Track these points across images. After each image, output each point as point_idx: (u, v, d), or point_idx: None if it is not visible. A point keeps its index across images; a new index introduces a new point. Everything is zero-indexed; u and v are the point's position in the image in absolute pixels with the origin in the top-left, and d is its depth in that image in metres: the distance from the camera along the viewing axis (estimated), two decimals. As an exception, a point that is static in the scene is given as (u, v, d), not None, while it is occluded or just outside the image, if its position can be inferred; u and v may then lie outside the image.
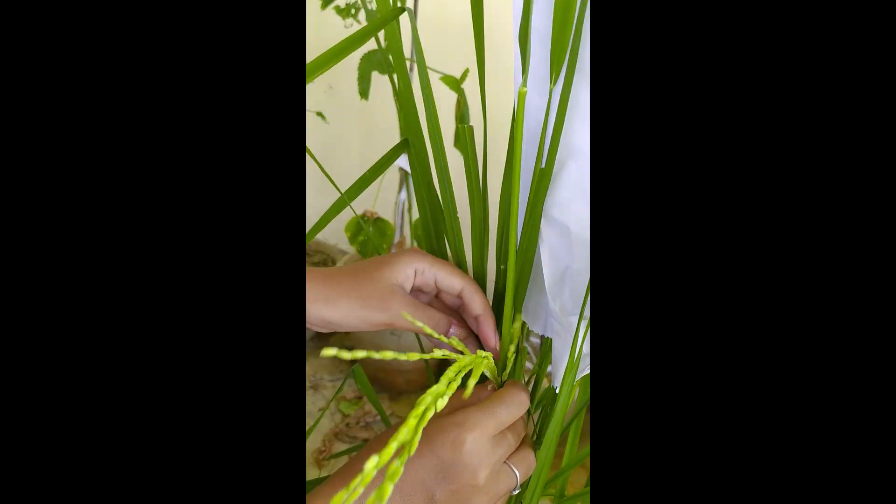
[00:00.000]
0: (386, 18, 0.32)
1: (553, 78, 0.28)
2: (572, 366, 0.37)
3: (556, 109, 0.32)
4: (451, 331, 0.42)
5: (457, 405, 0.39)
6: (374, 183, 0.49)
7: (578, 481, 1.23)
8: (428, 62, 1.46)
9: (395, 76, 0.45)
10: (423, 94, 0.43)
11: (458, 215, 0.46)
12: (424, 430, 0.37)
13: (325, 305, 0.39)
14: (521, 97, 0.29)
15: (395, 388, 1.46)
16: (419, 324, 0.39)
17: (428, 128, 0.42)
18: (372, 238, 1.34)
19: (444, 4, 1.48)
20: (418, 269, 0.42)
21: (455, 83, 1.28)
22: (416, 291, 0.44)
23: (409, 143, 0.47)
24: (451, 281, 0.42)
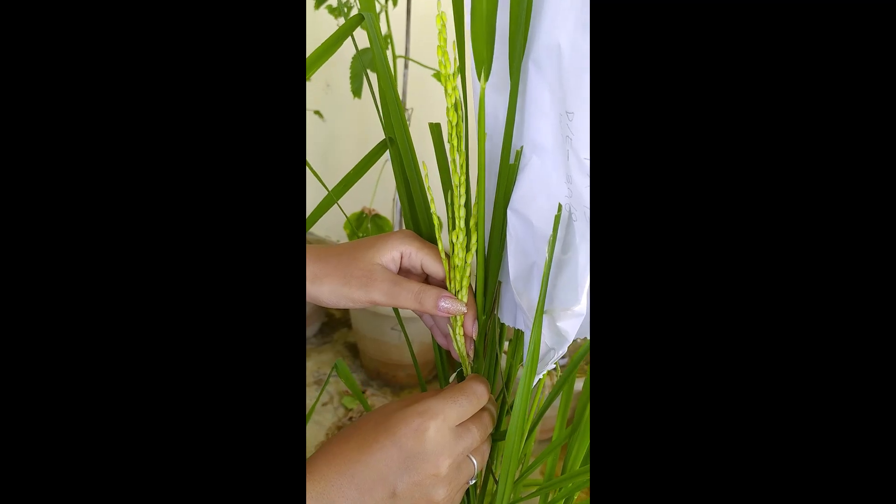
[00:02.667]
0: (350, 25, 0.33)
1: (483, 75, 0.29)
2: (532, 363, 0.38)
3: (504, 107, 0.33)
4: (441, 305, 0.41)
5: (418, 396, 0.39)
6: (371, 180, 0.50)
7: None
8: (421, 58, 1.46)
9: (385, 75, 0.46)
10: (381, 94, 0.44)
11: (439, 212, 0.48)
12: (386, 420, 0.37)
13: (311, 284, 0.41)
14: (482, 94, 0.30)
15: (397, 382, 1.48)
16: (402, 303, 0.40)
17: (393, 125, 0.43)
18: (370, 235, 1.36)
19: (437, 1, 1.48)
20: (405, 253, 0.42)
21: (449, 79, 1.29)
22: (404, 273, 0.44)
23: (392, 141, 0.48)
24: (435, 267, 0.42)
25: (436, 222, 0.44)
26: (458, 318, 0.43)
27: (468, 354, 0.45)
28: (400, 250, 0.42)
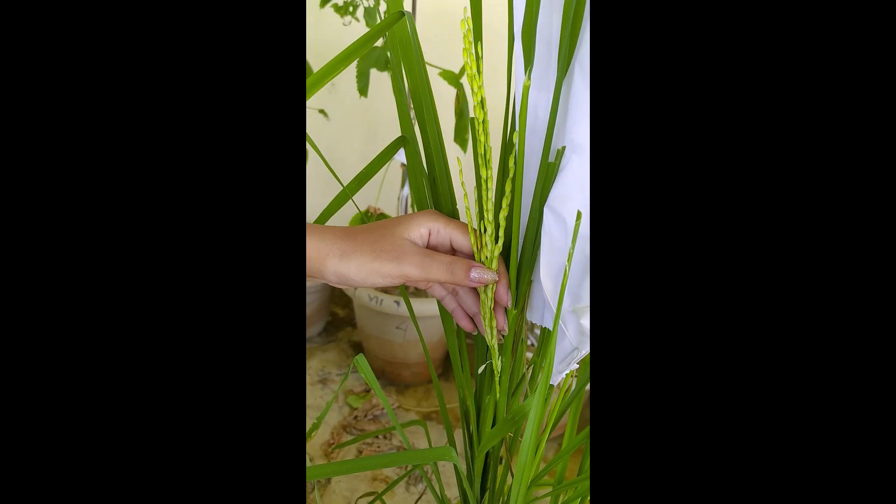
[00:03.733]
0: (387, 23, 0.33)
1: (527, 73, 0.29)
2: (549, 361, 0.38)
3: (544, 105, 0.33)
4: (473, 275, 0.41)
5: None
6: (377, 179, 0.50)
7: (572, 470, 1.24)
8: (427, 57, 1.46)
9: (401, 73, 0.46)
10: (412, 91, 0.44)
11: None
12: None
13: (339, 261, 0.40)
14: (525, 91, 0.31)
15: (401, 381, 1.48)
16: (434, 275, 0.40)
17: (421, 123, 0.43)
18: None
19: (442, -1, 1.49)
20: (433, 229, 0.42)
21: (454, 78, 1.29)
22: (432, 249, 0.43)
23: (406, 139, 0.49)
24: (464, 241, 0.42)
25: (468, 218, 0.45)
26: (489, 292, 0.42)
27: (500, 329, 0.44)
28: (428, 227, 0.42)
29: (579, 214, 0.35)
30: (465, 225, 0.43)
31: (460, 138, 1.28)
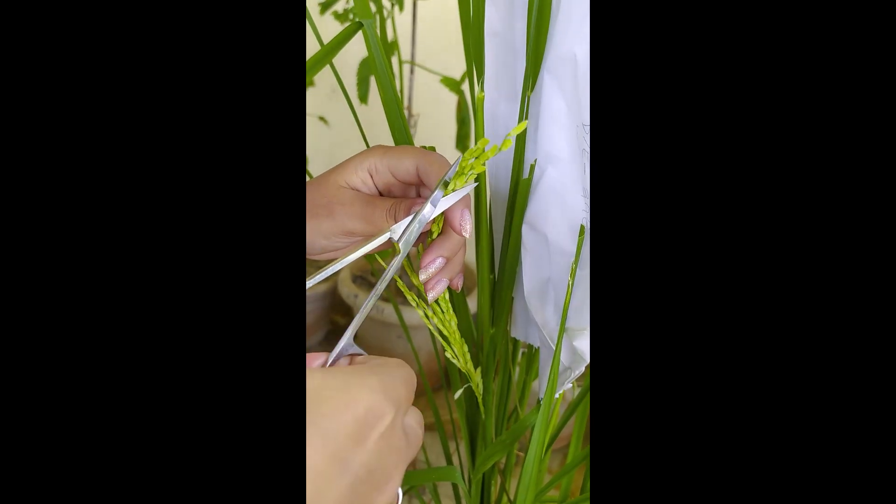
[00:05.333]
0: (345, 35, 0.31)
1: (479, 81, 0.27)
2: (553, 381, 0.36)
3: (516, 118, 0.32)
4: (415, 209, 0.33)
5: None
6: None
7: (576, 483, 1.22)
8: (429, 63, 1.46)
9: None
10: (384, 104, 0.41)
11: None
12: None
13: None
14: (480, 103, 0.29)
15: (404, 391, 1.47)
16: (380, 225, 0.32)
17: (395, 136, 0.42)
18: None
19: (444, 4, 1.48)
20: (372, 168, 0.34)
21: (455, 84, 1.28)
22: (387, 196, 0.36)
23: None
24: (403, 164, 0.33)
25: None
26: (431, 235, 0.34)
27: (428, 292, 0.36)
28: (366, 167, 0.34)
29: (582, 229, 0.34)
30: (404, 146, 0.35)
31: (462, 146, 1.27)
